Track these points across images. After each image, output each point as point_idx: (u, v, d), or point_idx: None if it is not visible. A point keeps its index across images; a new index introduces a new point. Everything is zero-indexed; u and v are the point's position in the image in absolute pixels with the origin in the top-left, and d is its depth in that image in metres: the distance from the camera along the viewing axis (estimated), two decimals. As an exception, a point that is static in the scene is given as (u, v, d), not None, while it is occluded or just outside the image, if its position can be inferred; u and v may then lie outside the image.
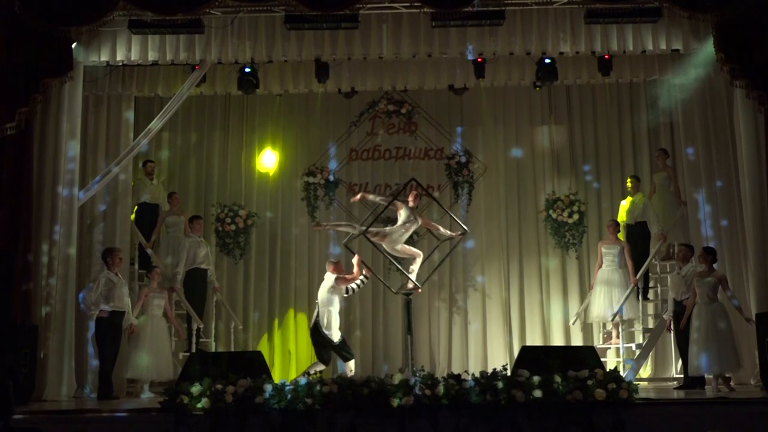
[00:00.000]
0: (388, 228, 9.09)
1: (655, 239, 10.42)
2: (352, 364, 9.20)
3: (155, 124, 10.03)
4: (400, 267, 9.12)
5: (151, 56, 9.46)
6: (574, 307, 10.99)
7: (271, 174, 11.41)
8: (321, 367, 9.09)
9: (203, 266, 10.49)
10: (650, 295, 10.67)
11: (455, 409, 6.67)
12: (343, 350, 9.19)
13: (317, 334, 9.15)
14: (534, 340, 10.98)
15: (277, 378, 7.42)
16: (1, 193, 8.65)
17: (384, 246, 8.96)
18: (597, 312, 10.37)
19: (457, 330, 11.25)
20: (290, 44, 9.41)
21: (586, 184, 11.43)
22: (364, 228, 8.91)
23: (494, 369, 7.00)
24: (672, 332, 9.53)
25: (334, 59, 9.88)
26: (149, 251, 10.49)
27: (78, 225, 9.48)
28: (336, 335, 9.13)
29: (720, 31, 8.77)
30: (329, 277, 9.31)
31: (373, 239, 8.89)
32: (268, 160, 11.46)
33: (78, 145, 9.46)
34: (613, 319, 10.16)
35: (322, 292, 9.29)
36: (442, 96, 11.51)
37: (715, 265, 8.82)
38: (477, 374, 6.96)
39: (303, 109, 11.70)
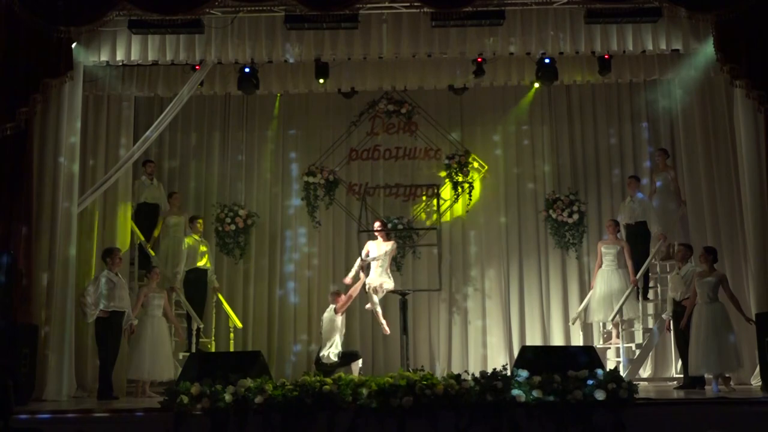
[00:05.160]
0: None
1: (655, 239, 10.42)
2: (359, 362, 9.60)
3: (153, 130, 10.02)
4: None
5: (151, 56, 9.46)
6: (574, 307, 10.98)
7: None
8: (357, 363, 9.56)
9: (203, 266, 10.50)
10: (650, 295, 10.67)
11: (455, 409, 6.67)
12: (348, 358, 9.51)
13: (320, 365, 9.51)
14: (534, 340, 10.98)
15: (276, 378, 7.41)
16: (0, 192, 8.65)
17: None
18: (597, 312, 10.37)
19: (457, 330, 11.25)
20: (290, 44, 9.41)
21: (587, 184, 11.43)
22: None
23: (494, 369, 6.99)
24: (672, 332, 9.54)
25: (334, 59, 9.88)
26: (149, 251, 10.50)
27: (78, 225, 9.48)
28: (335, 355, 9.47)
29: (720, 31, 8.77)
30: (330, 309, 9.70)
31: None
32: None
33: (78, 144, 9.46)
34: (613, 319, 10.16)
35: (325, 323, 9.71)
36: (442, 96, 11.51)
37: (715, 265, 8.81)
38: (477, 374, 6.96)
39: (303, 109, 11.71)
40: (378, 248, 9.50)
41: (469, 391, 6.72)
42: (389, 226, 11.20)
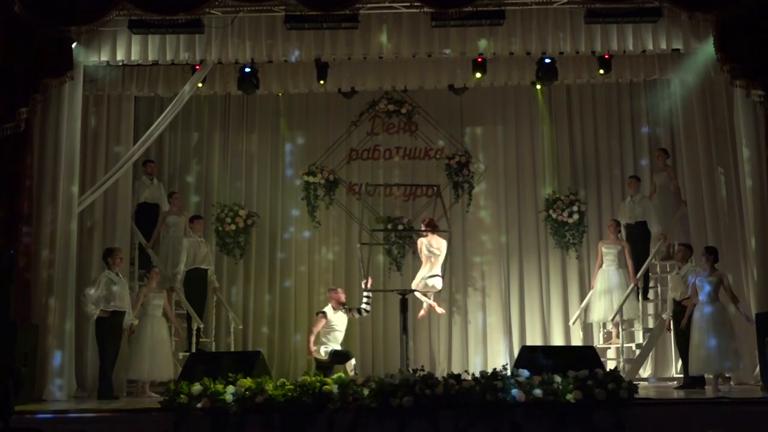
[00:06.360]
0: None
1: (655, 239, 10.42)
2: (352, 362, 9.52)
3: (155, 129, 10.03)
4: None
5: (151, 56, 9.45)
6: (574, 307, 10.98)
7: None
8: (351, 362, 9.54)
9: (203, 266, 10.50)
10: (650, 295, 10.67)
11: (455, 409, 6.67)
12: (338, 358, 9.49)
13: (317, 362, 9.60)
14: (534, 340, 10.98)
15: (277, 378, 7.42)
16: (0, 192, 8.65)
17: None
18: (597, 312, 10.37)
19: (457, 330, 11.25)
20: (290, 44, 9.41)
21: (587, 184, 11.43)
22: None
23: (494, 369, 6.99)
24: (672, 332, 9.54)
25: (334, 59, 9.88)
26: (149, 251, 10.50)
27: (78, 225, 9.48)
28: (326, 354, 9.48)
29: (720, 31, 8.76)
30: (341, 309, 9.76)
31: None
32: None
33: (78, 145, 9.45)
34: (613, 319, 10.16)
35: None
36: (442, 96, 11.50)
37: (716, 265, 8.81)
38: (477, 374, 6.96)
39: (303, 109, 11.71)
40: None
41: (469, 391, 6.71)
42: (389, 226, 11.22)
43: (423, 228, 9.54)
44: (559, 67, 10.11)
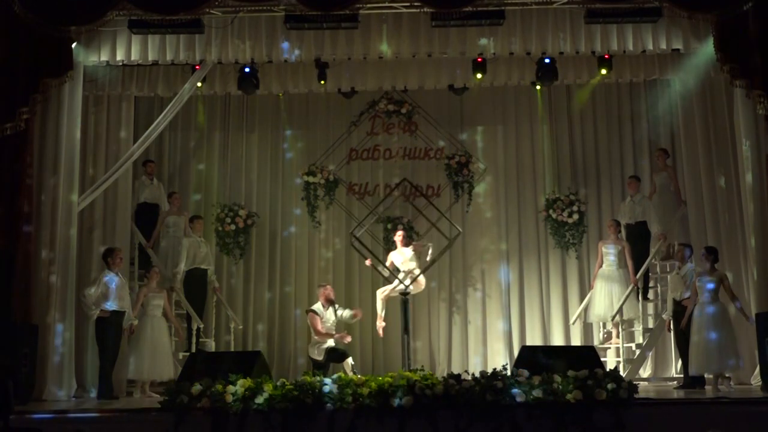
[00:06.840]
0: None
1: (655, 239, 10.43)
2: (349, 360, 9.49)
3: (154, 129, 10.03)
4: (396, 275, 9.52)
5: (151, 56, 9.45)
6: (574, 307, 10.98)
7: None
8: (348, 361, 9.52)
9: (203, 266, 10.51)
10: (650, 295, 10.67)
11: (455, 409, 6.67)
12: (333, 357, 9.43)
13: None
14: (534, 340, 10.98)
15: (277, 378, 7.41)
16: (1, 192, 8.65)
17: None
18: (597, 312, 10.38)
19: (457, 330, 11.26)
20: (290, 44, 9.41)
21: (587, 184, 11.43)
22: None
23: (494, 369, 6.99)
24: (672, 332, 9.54)
25: (334, 59, 9.88)
26: (149, 251, 10.50)
27: (78, 225, 9.48)
28: (320, 353, 9.41)
29: (720, 31, 8.76)
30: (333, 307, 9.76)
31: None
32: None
33: (78, 145, 9.45)
34: (613, 319, 10.16)
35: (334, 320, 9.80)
36: (442, 96, 11.51)
37: (716, 265, 8.81)
38: (477, 374, 6.96)
39: (303, 109, 11.71)
40: (402, 256, 9.72)
41: (469, 391, 6.71)
42: (389, 226, 11.22)
43: (400, 241, 9.92)
44: (559, 67, 10.12)
